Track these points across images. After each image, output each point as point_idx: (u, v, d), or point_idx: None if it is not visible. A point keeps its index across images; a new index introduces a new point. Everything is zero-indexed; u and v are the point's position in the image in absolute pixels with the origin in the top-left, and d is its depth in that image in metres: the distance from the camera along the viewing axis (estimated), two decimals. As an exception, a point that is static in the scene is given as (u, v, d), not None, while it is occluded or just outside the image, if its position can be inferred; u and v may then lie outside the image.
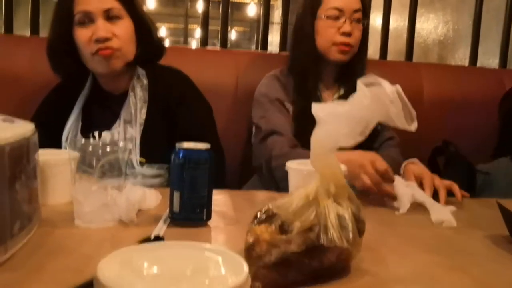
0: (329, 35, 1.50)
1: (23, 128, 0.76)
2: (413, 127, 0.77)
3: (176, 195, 0.87)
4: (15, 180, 0.69)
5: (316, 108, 0.74)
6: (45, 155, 0.95)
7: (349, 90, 1.55)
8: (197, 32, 6.03)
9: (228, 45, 2.17)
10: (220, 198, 1.11)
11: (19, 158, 0.72)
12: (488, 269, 0.77)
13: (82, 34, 1.31)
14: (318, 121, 0.72)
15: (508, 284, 0.73)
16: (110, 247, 0.77)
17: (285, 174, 1.35)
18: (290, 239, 0.65)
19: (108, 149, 1.00)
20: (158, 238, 0.71)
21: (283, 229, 0.68)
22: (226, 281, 0.42)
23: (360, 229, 0.70)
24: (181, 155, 0.87)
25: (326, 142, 0.70)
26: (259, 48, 2.34)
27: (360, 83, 0.75)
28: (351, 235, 0.67)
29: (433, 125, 1.90)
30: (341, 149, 0.72)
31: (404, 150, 1.92)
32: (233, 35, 9.87)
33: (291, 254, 0.64)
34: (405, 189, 1.13)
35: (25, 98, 1.56)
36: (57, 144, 1.36)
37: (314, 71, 1.53)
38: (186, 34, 8.23)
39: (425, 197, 1.12)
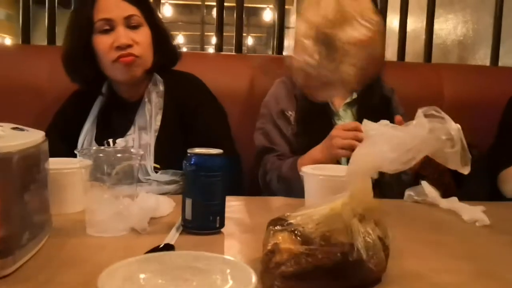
0: None
1: (33, 137, 0.76)
2: (466, 170, 0.74)
3: (188, 202, 0.85)
4: (25, 190, 0.68)
5: (368, 126, 0.71)
6: (57, 164, 0.94)
7: (362, 94, 1.51)
8: (214, 39, 6.06)
9: (245, 51, 2.16)
10: (235, 205, 1.09)
11: (28, 167, 0.71)
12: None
13: (103, 42, 1.31)
14: (366, 138, 0.70)
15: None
16: (122, 256, 0.75)
17: (279, 185, 1.37)
18: (314, 252, 0.63)
19: (121, 156, 0.99)
20: (168, 247, 0.69)
21: (305, 240, 0.65)
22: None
23: (385, 254, 0.67)
24: (193, 161, 0.85)
25: (367, 161, 0.68)
26: (274, 53, 2.32)
27: (420, 113, 0.71)
28: (376, 258, 0.64)
29: (454, 128, 1.85)
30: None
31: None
32: (249, 40, 9.90)
33: (313, 268, 0.61)
34: None
35: (45, 108, 1.56)
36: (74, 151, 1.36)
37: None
38: (203, 41, 8.27)
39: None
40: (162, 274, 0.42)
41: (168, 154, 1.35)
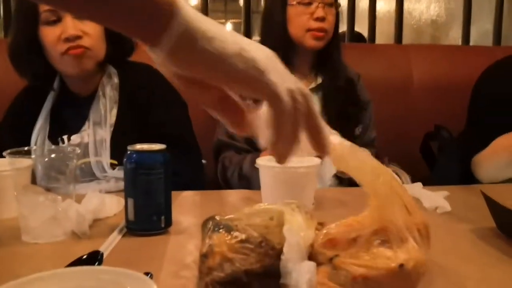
0: (302, 21, 1.42)
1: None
2: None
3: (130, 202, 0.81)
4: None
5: None
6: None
7: (327, 79, 1.47)
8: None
9: None
10: (189, 200, 1.05)
11: None
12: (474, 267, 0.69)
13: (49, 34, 1.24)
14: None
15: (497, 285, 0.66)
16: (52, 266, 0.70)
17: (241, 183, 1.34)
18: (248, 256, 0.58)
19: (77, 153, 0.94)
20: (93, 256, 0.64)
21: (241, 242, 0.60)
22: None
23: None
24: (132, 159, 0.80)
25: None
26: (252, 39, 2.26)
27: None
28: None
29: (424, 110, 1.82)
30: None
31: (395, 137, 1.84)
32: (228, 26, 9.77)
33: (245, 273, 0.57)
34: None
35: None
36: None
37: (285, 60, 1.46)
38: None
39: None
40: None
41: (125, 149, 1.29)
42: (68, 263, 0.64)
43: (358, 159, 0.60)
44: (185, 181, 1.28)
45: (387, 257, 0.55)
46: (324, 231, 0.60)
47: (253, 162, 1.35)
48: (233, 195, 1.12)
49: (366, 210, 0.61)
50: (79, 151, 0.86)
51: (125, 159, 0.81)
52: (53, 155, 0.91)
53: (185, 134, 1.36)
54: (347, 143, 0.61)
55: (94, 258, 0.63)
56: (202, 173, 1.40)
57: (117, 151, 1.29)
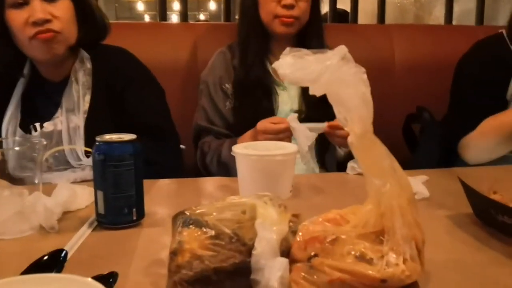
0: (270, 8, 1.39)
1: None
2: None
3: (100, 195, 0.78)
4: None
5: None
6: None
7: None
8: (176, 5, 5.82)
9: (207, 16, 2.05)
10: (165, 190, 1.02)
11: None
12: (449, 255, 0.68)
13: (16, 17, 1.18)
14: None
15: (472, 273, 0.65)
16: (18, 264, 0.67)
17: (219, 169, 1.33)
18: (218, 253, 0.56)
19: (50, 141, 0.91)
20: (55, 255, 0.61)
21: (212, 238, 0.58)
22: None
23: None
24: (101, 150, 0.77)
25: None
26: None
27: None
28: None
29: (406, 91, 1.80)
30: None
31: (376, 118, 1.82)
32: (212, 5, 9.59)
33: (214, 271, 0.55)
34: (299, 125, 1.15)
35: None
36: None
37: (256, 44, 1.44)
38: (163, 8, 7.97)
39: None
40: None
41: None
42: (33, 259, 0.62)
43: (375, 157, 0.57)
44: (163, 169, 1.25)
45: (372, 266, 0.52)
46: (304, 227, 0.58)
47: (231, 148, 1.34)
48: (210, 183, 1.09)
49: (354, 208, 0.59)
50: (45, 143, 0.82)
51: (93, 150, 0.78)
52: (23, 145, 0.88)
53: (162, 122, 1.33)
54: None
55: (57, 257, 0.60)
56: (180, 161, 1.37)
57: (92, 139, 1.24)
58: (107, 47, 1.35)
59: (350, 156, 1.31)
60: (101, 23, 1.33)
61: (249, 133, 1.30)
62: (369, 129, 0.56)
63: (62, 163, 1.24)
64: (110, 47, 1.35)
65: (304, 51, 0.59)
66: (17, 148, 0.81)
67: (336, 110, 0.58)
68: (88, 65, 1.29)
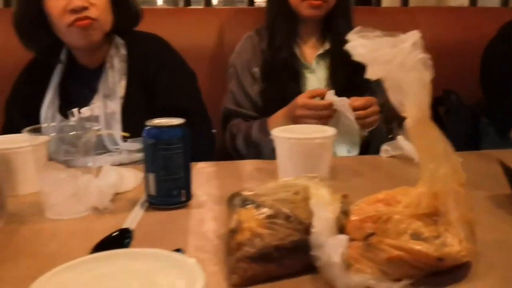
0: None
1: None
2: None
3: (151, 177, 0.81)
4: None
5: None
6: (11, 143, 0.89)
7: (334, 44, 1.45)
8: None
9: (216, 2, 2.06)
10: (204, 172, 1.05)
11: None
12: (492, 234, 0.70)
13: (55, 5, 1.21)
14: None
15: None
16: (78, 242, 0.71)
17: (249, 150, 1.36)
18: (277, 231, 0.59)
19: (88, 126, 0.93)
20: (123, 233, 0.65)
21: (267, 217, 0.61)
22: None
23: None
24: (151, 134, 0.80)
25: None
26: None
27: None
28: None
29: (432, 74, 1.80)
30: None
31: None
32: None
33: (275, 248, 0.58)
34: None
35: (1, 79, 1.47)
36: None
37: (284, 27, 1.45)
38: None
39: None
40: (98, 281, 0.38)
41: (136, 121, 1.26)
42: (93, 239, 0.65)
43: (430, 141, 0.59)
44: (195, 153, 1.28)
45: (428, 245, 0.55)
46: (358, 207, 0.60)
47: (262, 128, 1.36)
48: (247, 166, 1.12)
49: (403, 189, 0.61)
50: (98, 127, 0.85)
51: (143, 134, 0.81)
52: (65, 129, 0.91)
53: (193, 106, 1.36)
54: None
55: (124, 235, 0.63)
56: (213, 144, 1.40)
57: (128, 123, 1.29)
58: (141, 34, 1.37)
59: (370, 138, 1.32)
60: (134, 10, 1.36)
61: (283, 111, 1.30)
62: (426, 115, 0.58)
63: (99, 147, 1.28)
64: (143, 34, 1.38)
65: (375, 32, 0.60)
66: (72, 133, 0.83)
67: (391, 94, 0.59)
68: (123, 51, 1.32)
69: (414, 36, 0.58)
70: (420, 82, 0.57)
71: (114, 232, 0.65)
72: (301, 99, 1.23)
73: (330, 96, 1.20)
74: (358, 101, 1.21)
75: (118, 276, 0.39)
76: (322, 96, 1.22)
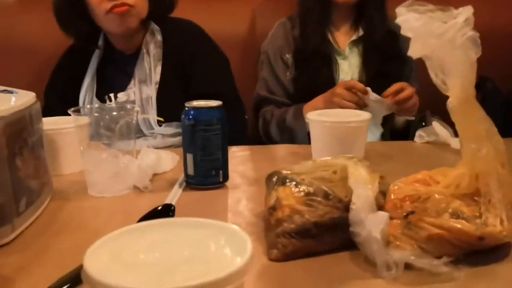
0: None
1: (21, 99, 0.72)
2: None
3: (189, 157, 0.83)
4: (16, 155, 0.66)
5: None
6: (52, 124, 0.92)
7: (368, 31, 1.44)
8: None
9: None
10: (239, 156, 1.07)
11: (18, 132, 0.68)
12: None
13: None
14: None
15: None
16: (121, 218, 0.74)
17: (283, 135, 1.36)
18: (316, 208, 0.60)
19: (124, 110, 0.96)
20: (166, 208, 0.67)
21: (306, 195, 0.62)
22: (227, 265, 0.37)
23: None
24: (190, 115, 0.82)
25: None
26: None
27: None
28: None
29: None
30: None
31: (438, 88, 1.80)
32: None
33: (314, 224, 0.59)
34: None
35: (40, 66, 1.52)
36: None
37: (316, 13, 1.44)
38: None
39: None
40: (150, 246, 0.40)
41: (170, 106, 1.31)
42: (135, 215, 0.68)
43: (474, 121, 0.59)
44: (229, 137, 1.30)
45: (469, 224, 0.55)
46: (396, 187, 0.61)
47: (297, 113, 1.37)
48: (281, 150, 1.13)
49: (443, 169, 0.61)
50: (138, 109, 0.87)
51: (182, 116, 0.83)
52: (103, 112, 0.94)
53: (227, 91, 1.37)
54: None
55: (168, 210, 0.66)
56: (245, 130, 1.42)
57: (163, 108, 1.32)
58: (175, 20, 1.39)
59: (406, 124, 1.32)
60: (169, -4, 1.37)
61: (320, 97, 1.31)
62: (470, 94, 0.58)
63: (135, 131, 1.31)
64: (178, 20, 1.39)
65: (427, 5, 0.60)
66: (114, 113, 0.86)
67: (432, 73, 0.59)
68: (159, 37, 1.34)
69: (467, 11, 0.57)
70: (466, 61, 0.57)
71: (158, 207, 0.67)
72: (340, 86, 1.23)
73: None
74: (390, 90, 1.21)
75: (170, 242, 0.40)
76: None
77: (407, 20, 0.58)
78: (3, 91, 0.75)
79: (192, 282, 0.34)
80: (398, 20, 0.60)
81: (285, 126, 1.36)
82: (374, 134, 1.36)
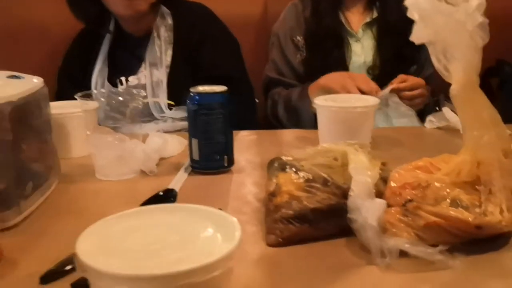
0: None
1: (29, 85, 0.73)
2: None
3: (194, 142, 0.83)
4: (21, 139, 0.67)
5: None
6: (59, 108, 0.93)
7: (382, 13, 1.42)
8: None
9: None
10: (246, 140, 1.07)
11: (24, 116, 0.70)
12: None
13: None
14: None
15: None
16: (125, 202, 0.75)
17: (289, 115, 1.35)
18: (314, 194, 0.60)
19: (135, 94, 0.97)
20: (168, 192, 0.68)
21: (305, 181, 0.62)
22: (215, 250, 0.38)
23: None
24: (195, 100, 0.82)
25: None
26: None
27: None
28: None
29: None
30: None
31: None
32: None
33: (312, 210, 0.59)
34: None
35: (52, 49, 1.53)
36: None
37: None
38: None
39: None
40: (140, 231, 0.41)
41: (181, 90, 1.30)
42: (139, 198, 0.69)
43: (476, 108, 0.58)
44: (238, 120, 1.30)
45: (468, 212, 0.54)
46: (397, 174, 0.60)
47: (302, 93, 1.36)
48: (288, 134, 1.13)
49: (445, 156, 0.60)
50: (144, 94, 0.88)
51: (187, 101, 0.83)
52: (113, 97, 0.95)
53: (236, 73, 1.37)
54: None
55: (169, 195, 0.67)
56: (255, 112, 1.41)
57: (173, 92, 1.32)
58: (186, 3, 1.39)
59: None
60: (179, -21, 1.37)
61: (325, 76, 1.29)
62: (474, 80, 0.57)
63: (146, 115, 1.32)
64: (189, 3, 1.39)
65: None
66: (120, 100, 0.86)
67: (435, 58, 0.58)
68: (169, 20, 1.34)
69: None
70: (472, 46, 0.56)
71: (160, 191, 0.68)
72: (361, 75, 1.23)
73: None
74: (405, 83, 1.19)
75: (158, 227, 0.41)
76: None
77: (416, 1, 0.57)
78: (11, 76, 0.76)
79: (177, 268, 0.35)
80: (407, 2, 0.58)
81: (291, 106, 1.35)
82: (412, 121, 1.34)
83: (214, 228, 0.41)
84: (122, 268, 0.35)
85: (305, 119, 1.28)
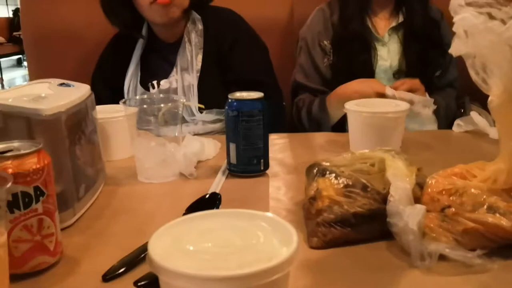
0: None
1: (79, 92, 0.78)
2: None
3: (232, 147, 0.87)
4: (75, 145, 0.71)
5: None
6: (103, 113, 0.98)
7: (409, 18, 1.44)
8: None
9: None
10: (278, 143, 1.10)
11: (77, 123, 0.74)
12: None
13: None
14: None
15: None
16: (170, 203, 0.79)
17: (311, 125, 1.38)
18: (354, 199, 0.63)
19: (167, 97, 1.01)
20: (214, 196, 0.72)
21: (345, 187, 0.65)
22: (275, 254, 0.41)
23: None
24: (233, 107, 0.86)
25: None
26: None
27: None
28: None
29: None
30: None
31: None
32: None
33: (353, 215, 0.62)
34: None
35: (86, 55, 1.58)
36: (120, 96, 1.39)
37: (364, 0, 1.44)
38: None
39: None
40: (206, 234, 0.44)
41: (211, 93, 1.36)
42: (183, 201, 0.73)
43: None
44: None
45: (506, 219, 0.57)
46: (434, 180, 0.63)
47: (321, 105, 1.39)
48: (318, 138, 1.16)
49: (480, 163, 0.63)
50: (183, 100, 0.92)
51: (226, 107, 0.87)
52: (147, 101, 0.99)
53: (265, 78, 1.40)
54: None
55: (215, 198, 0.70)
56: (284, 116, 1.45)
57: (204, 95, 1.36)
58: (216, 9, 1.42)
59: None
60: (209, -14, 1.41)
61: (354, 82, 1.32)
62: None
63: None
64: (218, 8, 1.43)
65: None
66: (167, 97, 0.90)
67: (473, 71, 0.61)
68: (200, 26, 1.38)
69: None
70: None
71: (206, 195, 0.72)
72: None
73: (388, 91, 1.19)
74: (404, 85, 1.22)
75: (222, 231, 0.45)
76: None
77: (465, 17, 0.58)
78: (62, 84, 0.81)
79: (245, 270, 0.38)
80: (455, 18, 0.59)
81: (311, 117, 1.38)
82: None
83: (271, 233, 0.45)
84: (194, 269, 0.39)
85: (325, 130, 1.32)
